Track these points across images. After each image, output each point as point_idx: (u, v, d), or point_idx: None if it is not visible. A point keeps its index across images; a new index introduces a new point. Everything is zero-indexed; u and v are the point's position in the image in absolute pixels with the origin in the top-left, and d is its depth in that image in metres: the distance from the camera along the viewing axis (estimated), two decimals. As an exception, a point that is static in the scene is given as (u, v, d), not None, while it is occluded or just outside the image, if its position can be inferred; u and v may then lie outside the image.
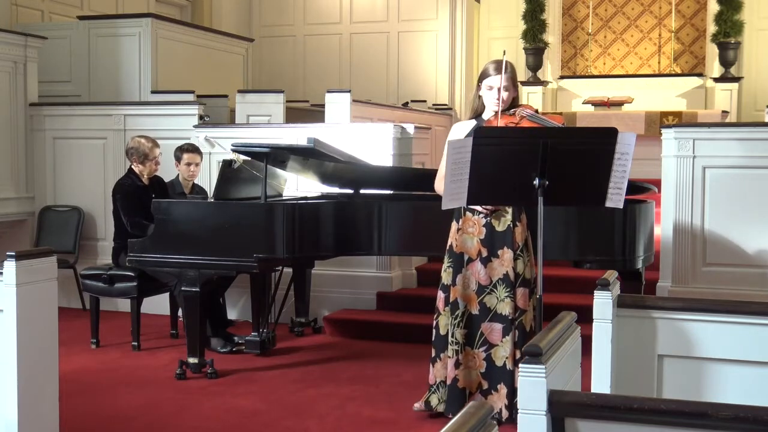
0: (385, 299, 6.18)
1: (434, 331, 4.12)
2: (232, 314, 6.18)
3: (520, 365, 1.93)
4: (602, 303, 2.72)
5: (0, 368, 3.12)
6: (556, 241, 4.44)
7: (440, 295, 4.10)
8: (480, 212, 3.99)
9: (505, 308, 3.97)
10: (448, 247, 4.10)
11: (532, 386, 1.89)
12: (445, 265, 4.09)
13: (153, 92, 7.67)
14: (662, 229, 5.53)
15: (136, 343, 5.63)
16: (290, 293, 5.96)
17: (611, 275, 2.78)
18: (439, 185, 4.09)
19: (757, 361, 2.69)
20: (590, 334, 2.72)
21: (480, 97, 4.05)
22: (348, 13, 11.08)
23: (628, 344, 2.79)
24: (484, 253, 4.00)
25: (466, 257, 4.03)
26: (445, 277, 4.09)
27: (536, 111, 4.08)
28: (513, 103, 4.08)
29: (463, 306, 4.03)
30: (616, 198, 3.52)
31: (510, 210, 3.99)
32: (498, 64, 4.01)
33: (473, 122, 4.08)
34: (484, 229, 4.01)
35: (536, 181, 3.44)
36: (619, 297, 2.81)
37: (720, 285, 5.34)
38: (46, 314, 3.27)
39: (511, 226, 3.99)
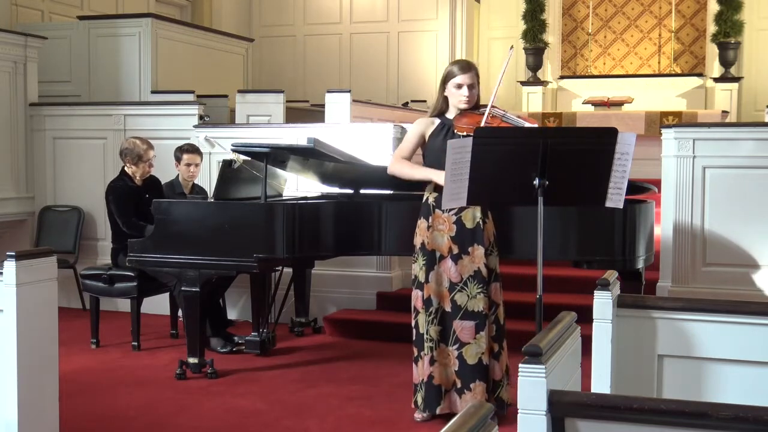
0: (385, 299, 6.18)
1: (414, 330, 4.15)
2: (232, 314, 6.18)
3: (520, 365, 1.93)
4: (602, 303, 2.72)
5: (0, 368, 3.12)
6: (556, 241, 4.44)
7: (417, 293, 4.13)
8: (451, 210, 4.02)
9: (478, 304, 4.01)
10: (419, 246, 4.13)
11: (532, 386, 1.89)
12: (419, 263, 4.12)
13: (153, 92, 7.68)
14: (662, 229, 5.53)
15: (136, 343, 5.63)
16: (290, 293, 5.96)
17: (611, 275, 2.78)
18: (395, 166, 4.17)
19: (757, 361, 2.69)
20: (590, 334, 2.72)
21: (445, 97, 4.14)
22: (348, 13, 11.08)
23: (628, 344, 2.79)
24: (455, 250, 4.04)
25: (438, 254, 4.07)
26: (421, 275, 4.12)
27: (504, 111, 4.11)
28: (477, 102, 4.16)
29: (437, 303, 4.06)
30: (616, 198, 3.52)
31: (477, 206, 4.03)
32: (463, 64, 4.14)
33: (437, 120, 4.16)
34: (454, 227, 4.05)
35: (536, 181, 3.44)
36: (619, 297, 2.81)
37: (720, 285, 5.34)
38: (46, 314, 3.27)
39: (481, 223, 4.04)
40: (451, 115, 4.13)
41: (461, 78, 4.05)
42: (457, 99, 4.07)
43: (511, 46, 4.19)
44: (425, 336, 4.07)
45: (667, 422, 1.81)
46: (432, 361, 4.05)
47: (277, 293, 5.82)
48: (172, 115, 6.79)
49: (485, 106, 4.13)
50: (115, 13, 8.86)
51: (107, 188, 5.71)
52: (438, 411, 4.05)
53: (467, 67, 4.10)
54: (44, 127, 7.09)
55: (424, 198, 4.15)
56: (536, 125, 4.10)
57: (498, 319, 4.08)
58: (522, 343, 2.02)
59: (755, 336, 2.70)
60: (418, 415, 4.14)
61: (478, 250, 4.02)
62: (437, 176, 3.96)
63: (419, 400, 4.12)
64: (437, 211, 4.07)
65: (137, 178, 5.66)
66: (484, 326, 4.00)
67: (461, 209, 4.01)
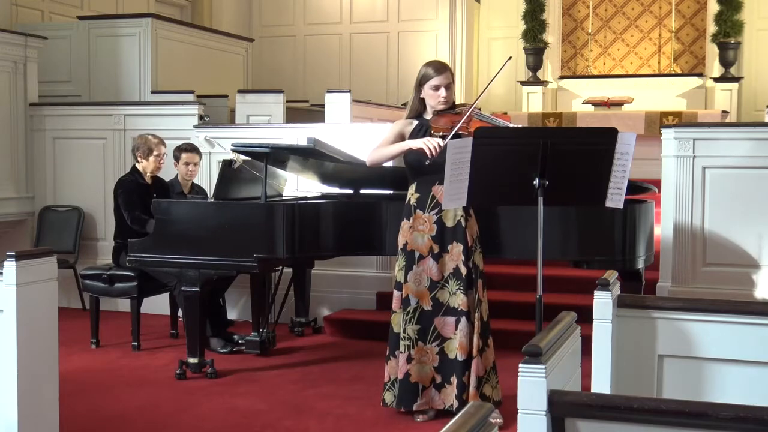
0: (385, 299, 6.16)
1: (389, 330, 4.18)
2: (232, 314, 6.18)
3: (520, 365, 1.93)
4: (602, 303, 2.72)
5: (0, 368, 3.12)
6: (556, 241, 4.44)
7: (395, 293, 4.16)
8: (432, 208, 4.04)
9: (457, 301, 4.04)
10: (401, 246, 4.15)
11: (532, 386, 1.89)
12: (399, 264, 4.15)
13: (153, 92, 7.68)
14: (662, 229, 5.53)
15: (136, 343, 5.63)
16: (290, 293, 5.96)
17: (611, 275, 2.78)
18: (371, 154, 4.22)
19: (757, 361, 2.69)
20: (590, 334, 2.72)
21: (421, 100, 4.15)
22: (348, 13, 11.08)
23: (628, 344, 2.79)
24: (436, 249, 4.07)
25: (417, 254, 4.09)
26: (400, 275, 4.14)
27: (479, 109, 4.11)
28: (453, 102, 4.18)
29: (415, 302, 4.08)
30: (616, 198, 3.52)
31: None
32: (437, 65, 4.15)
33: (415, 121, 4.19)
34: (435, 226, 4.07)
35: (536, 181, 3.44)
36: (619, 297, 2.81)
37: (720, 285, 5.34)
38: (46, 314, 3.27)
39: (462, 221, 4.06)
40: (428, 116, 4.15)
41: (438, 79, 4.06)
42: (435, 100, 4.09)
43: (509, 57, 4.20)
44: (401, 335, 4.10)
45: (667, 422, 1.81)
46: (409, 359, 4.08)
47: (277, 293, 5.82)
48: (172, 115, 6.79)
49: (462, 105, 4.15)
50: (115, 13, 8.86)
51: (117, 182, 5.75)
52: (415, 407, 4.10)
53: (442, 67, 4.12)
54: (44, 127, 7.09)
55: (407, 199, 4.17)
56: (510, 123, 4.11)
57: (482, 315, 4.10)
58: (522, 343, 2.01)
59: (755, 336, 2.70)
60: (418, 416, 4.15)
61: (457, 248, 4.05)
62: (411, 143, 4.02)
63: (389, 398, 4.17)
64: (418, 211, 4.11)
65: (148, 174, 5.67)
66: (459, 322, 4.04)
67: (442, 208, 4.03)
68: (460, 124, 3.90)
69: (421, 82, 4.12)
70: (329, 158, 4.87)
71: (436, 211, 4.06)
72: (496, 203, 3.95)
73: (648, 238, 4.74)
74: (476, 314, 4.07)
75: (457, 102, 4.26)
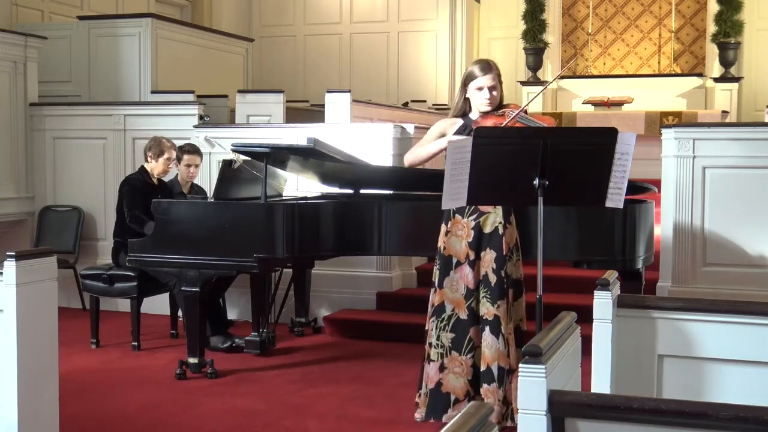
0: (385, 299, 6.18)
1: (426, 332, 4.09)
2: (232, 314, 6.18)
3: (520, 365, 1.93)
4: (602, 303, 2.72)
5: (0, 368, 3.12)
6: (556, 241, 4.43)
7: (431, 295, 4.09)
8: (471, 214, 3.97)
9: (482, 309, 3.96)
10: (439, 249, 4.07)
11: (532, 386, 1.89)
12: (437, 266, 4.08)
13: (153, 92, 7.68)
14: (662, 229, 5.53)
15: (136, 343, 5.63)
16: (290, 293, 5.96)
17: (611, 275, 2.78)
18: (408, 155, 4.16)
19: (757, 361, 2.69)
20: (590, 334, 2.72)
21: (467, 99, 4.05)
22: (348, 13, 11.09)
23: (628, 344, 2.79)
24: (472, 256, 3.98)
25: (454, 260, 4.01)
26: (435, 277, 4.06)
27: (525, 111, 4.04)
28: (500, 102, 4.08)
29: (451, 309, 3.99)
30: (616, 198, 3.52)
31: (498, 211, 3.97)
32: (483, 65, 4.02)
33: (459, 121, 4.10)
34: (472, 232, 3.99)
35: (536, 181, 3.43)
36: (619, 297, 2.81)
37: (720, 285, 5.34)
38: (46, 314, 3.27)
39: (500, 228, 3.97)
40: (474, 115, 4.05)
41: (482, 80, 3.95)
42: (479, 101, 3.98)
43: (575, 55, 4.15)
44: (436, 342, 4.00)
45: (667, 422, 1.81)
46: (442, 368, 3.99)
47: (277, 293, 5.82)
48: (172, 115, 6.79)
49: (506, 106, 4.06)
50: (115, 13, 8.87)
51: (124, 179, 5.79)
52: (444, 419, 3.97)
53: (488, 68, 3.99)
54: (44, 127, 7.09)
55: None
56: (554, 125, 4.03)
57: (519, 326, 4.01)
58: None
59: (755, 336, 2.70)
60: (418, 415, 4.12)
61: (490, 255, 3.96)
62: (449, 139, 3.90)
63: (423, 402, 4.07)
64: (457, 216, 4.00)
65: (155, 174, 5.68)
66: (483, 331, 3.95)
67: (481, 214, 3.97)
68: (506, 123, 3.84)
69: (465, 82, 4.02)
70: (329, 158, 4.87)
71: (474, 216, 3.97)
72: (496, 203, 3.94)
73: (648, 238, 4.74)
74: (509, 325, 3.94)
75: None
